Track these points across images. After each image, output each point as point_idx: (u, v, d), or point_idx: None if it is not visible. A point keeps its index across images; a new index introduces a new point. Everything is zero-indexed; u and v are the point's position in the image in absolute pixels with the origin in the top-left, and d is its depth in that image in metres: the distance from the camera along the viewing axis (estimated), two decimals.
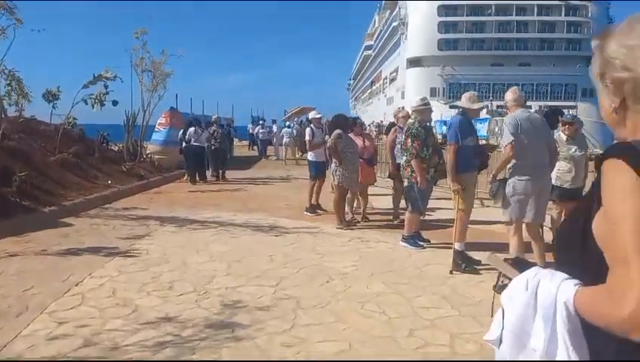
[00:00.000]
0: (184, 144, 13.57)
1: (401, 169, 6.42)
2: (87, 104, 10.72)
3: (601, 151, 1.56)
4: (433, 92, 75.81)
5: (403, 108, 8.43)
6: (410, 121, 6.30)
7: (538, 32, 74.74)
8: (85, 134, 13.02)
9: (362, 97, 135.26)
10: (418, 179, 6.01)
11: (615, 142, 1.15)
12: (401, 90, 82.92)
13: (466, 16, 76.25)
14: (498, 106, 52.54)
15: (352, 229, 7.44)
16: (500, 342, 1.27)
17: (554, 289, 1.12)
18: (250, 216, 8.62)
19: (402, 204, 8.04)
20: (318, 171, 8.87)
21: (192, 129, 13.47)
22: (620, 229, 0.99)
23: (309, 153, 8.97)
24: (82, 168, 11.02)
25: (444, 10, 76.19)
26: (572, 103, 66.20)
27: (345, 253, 6.06)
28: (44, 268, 5.26)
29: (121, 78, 10.38)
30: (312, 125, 9.33)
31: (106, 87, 10.45)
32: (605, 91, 1.16)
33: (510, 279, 1.29)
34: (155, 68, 13.47)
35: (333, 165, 7.61)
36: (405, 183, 6.29)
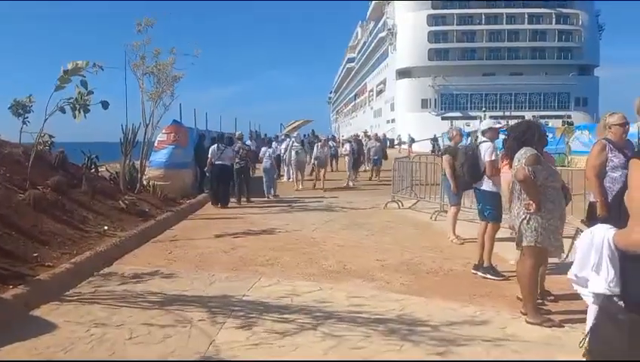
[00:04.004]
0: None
1: None
2: (64, 112, 7.28)
3: None
4: (425, 103, 73.78)
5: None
6: None
7: (529, 41, 73.26)
8: (67, 158, 9.58)
9: (345, 110, 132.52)
10: None
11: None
12: (391, 101, 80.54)
13: (456, 25, 74.44)
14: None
15: (560, 326, 4.19)
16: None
17: (603, 232, 1.99)
18: (342, 288, 5.36)
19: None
20: (499, 210, 5.77)
21: (214, 146, 11.33)
22: (634, 201, 1.84)
23: (485, 179, 5.75)
24: (65, 208, 7.61)
25: (433, 19, 74.25)
26: (566, 113, 64.76)
27: None
28: None
29: (102, 67, 7.01)
30: (487, 135, 6.07)
31: (83, 84, 7.06)
32: None
33: (582, 231, 2.21)
34: (159, 70, 10.11)
35: (520, 212, 4.31)
36: None
